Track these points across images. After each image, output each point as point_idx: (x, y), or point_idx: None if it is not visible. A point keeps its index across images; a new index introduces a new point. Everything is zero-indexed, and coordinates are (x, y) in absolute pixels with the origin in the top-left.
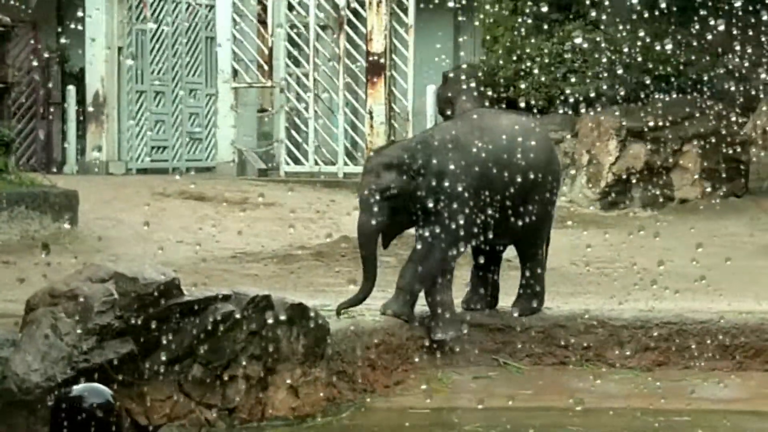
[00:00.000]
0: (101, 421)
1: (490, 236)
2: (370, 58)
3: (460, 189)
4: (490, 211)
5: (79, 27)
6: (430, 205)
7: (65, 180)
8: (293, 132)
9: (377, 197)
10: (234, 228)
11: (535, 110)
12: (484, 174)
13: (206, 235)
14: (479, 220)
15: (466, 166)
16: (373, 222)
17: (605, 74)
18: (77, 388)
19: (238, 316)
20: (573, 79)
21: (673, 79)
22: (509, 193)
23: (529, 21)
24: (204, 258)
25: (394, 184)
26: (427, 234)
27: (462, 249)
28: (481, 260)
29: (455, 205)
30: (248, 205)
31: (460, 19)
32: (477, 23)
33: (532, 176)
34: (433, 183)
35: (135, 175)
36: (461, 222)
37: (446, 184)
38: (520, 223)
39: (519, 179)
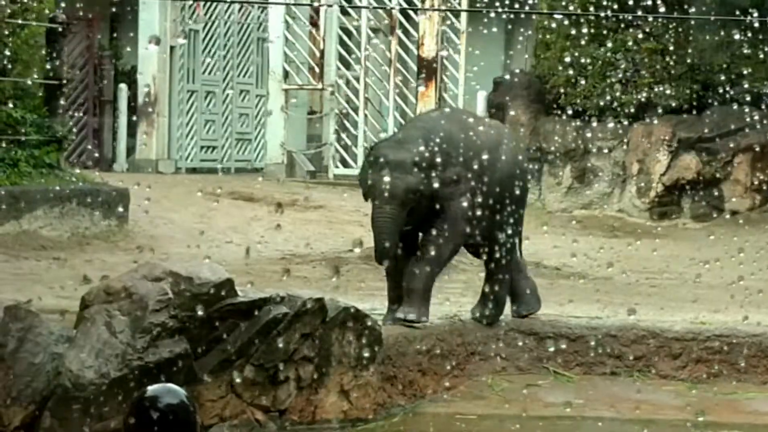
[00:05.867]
0: (177, 422)
1: (480, 234)
2: (422, 63)
3: (464, 186)
4: (480, 210)
5: (133, 25)
6: (437, 204)
7: (115, 177)
8: (342, 135)
9: (406, 195)
10: (282, 229)
11: (586, 118)
12: (476, 171)
13: (255, 236)
14: (475, 217)
15: (464, 162)
16: (399, 222)
17: (658, 84)
18: (152, 389)
19: (291, 318)
20: (625, 88)
21: (726, 90)
22: (493, 191)
23: (583, 29)
24: (253, 259)
25: (419, 181)
26: (436, 235)
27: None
28: (516, 269)
29: (461, 203)
30: (297, 207)
31: (512, 25)
32: (529, 30)
33: (508, 176)
34: (446, 180)
35: (184, 174)
36: (465, 219)
37: (455, 181)
38: (497, 223)
39: (500, 178)
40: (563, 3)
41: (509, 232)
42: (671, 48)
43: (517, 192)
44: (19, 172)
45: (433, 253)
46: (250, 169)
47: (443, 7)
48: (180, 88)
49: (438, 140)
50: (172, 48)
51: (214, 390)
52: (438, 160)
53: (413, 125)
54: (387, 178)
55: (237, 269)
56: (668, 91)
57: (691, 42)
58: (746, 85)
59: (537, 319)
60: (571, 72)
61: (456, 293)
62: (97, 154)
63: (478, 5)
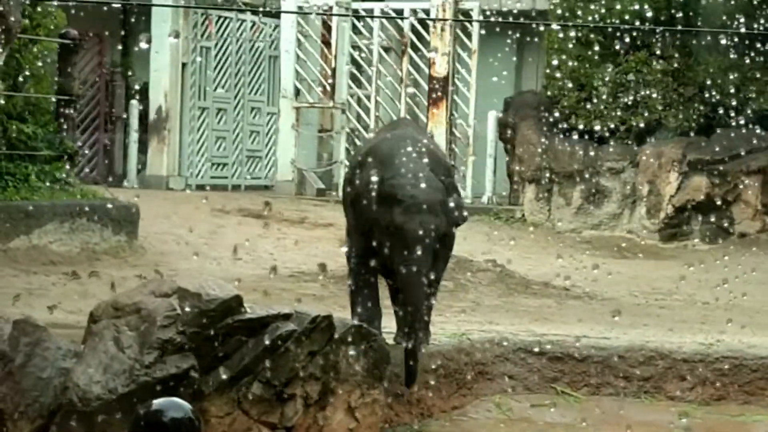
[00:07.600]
0: None
1: None
2: (433, 82)
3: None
4: None
5: (144, 42)
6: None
7: (125, 193)
8: (353, 153)
9: (437, 240)
10: (292, 247)
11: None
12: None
13: (264, 253)
14: None
15: (453, 185)
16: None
17: (668, 105)
18: (157, 403)
19: (299, 335)
20: (636, 109)
21: (737, 112)
22: None
23: (594, 50)
24: (261, 276)
25: (445, 220)
26: (437, 263)
27: None
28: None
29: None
30: (307, 225)
31: (523, 45)
32: (540, 50)
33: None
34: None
35: (194, 191)
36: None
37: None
38: None
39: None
40: (578, 17)
41: None
42: (681, 69)
43: None
44: (30, 187)
45: (436, 282)
46: (264, 187)
47: (455, 27)
48: (191, 105)
49: (447, 170)
50: (183, 65)
51: (221, 406)
52: (452, 190)
53: (409, 151)
54: (429, 225)
55: (245, 286)
56: (678, 113)
57: (701, 63)
58: (760, 106)
59: (545, 339)
60: (581, 93)
61: (465, 312)
62: (107, 170)
63: (489, 27)
